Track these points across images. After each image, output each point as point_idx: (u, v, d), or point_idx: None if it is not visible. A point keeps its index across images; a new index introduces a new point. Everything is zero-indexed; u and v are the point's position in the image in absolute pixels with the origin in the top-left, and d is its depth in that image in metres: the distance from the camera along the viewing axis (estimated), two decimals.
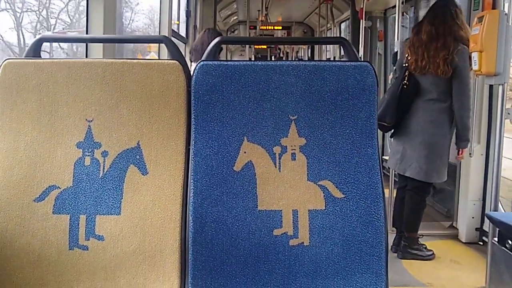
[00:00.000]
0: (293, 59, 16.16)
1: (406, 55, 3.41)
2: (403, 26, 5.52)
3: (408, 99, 3.34)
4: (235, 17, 12.63)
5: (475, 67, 2.92)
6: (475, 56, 2.90)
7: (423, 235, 3.65)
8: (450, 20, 3.25)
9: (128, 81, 1.47)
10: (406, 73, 3.37)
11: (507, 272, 2.16)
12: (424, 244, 3.58)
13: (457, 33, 3.23)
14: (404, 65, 3.43)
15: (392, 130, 3.53)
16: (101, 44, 2.36)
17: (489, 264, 2.82)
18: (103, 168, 1.46)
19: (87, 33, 2.42)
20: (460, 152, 3.36)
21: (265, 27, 12.21)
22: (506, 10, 2.81)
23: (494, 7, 3.55)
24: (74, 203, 1.44)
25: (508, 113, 2.90)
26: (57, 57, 1.84)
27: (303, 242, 1.42)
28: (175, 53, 1.53)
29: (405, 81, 3.35)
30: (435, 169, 3.32)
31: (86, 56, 2.46)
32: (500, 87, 2.87)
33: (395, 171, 3.68)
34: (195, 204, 1.41)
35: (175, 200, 1.44)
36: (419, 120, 3.33)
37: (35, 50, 1.55)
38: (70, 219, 1.43)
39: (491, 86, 3.66)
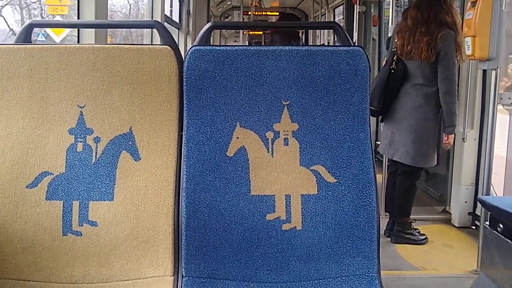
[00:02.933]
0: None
1: (396, 40, 3.44)
2: (398, 8, 5.49)
3: (396, 83, 3.38)
4: (228, 3, 12.51)
5: (468, 51, 2.91)
6: (468, 40, 2.89)
7: (416, 220, 3.68)
8: (436, 5, 3.27)
9: (119, 66, 1.47)
10: (394, 58, 3.41)
11: (498, 255, 2.18)
12: (417, 229, 3.61)
13: (443, 18, 3.24)
14: (393, 50, 3.47)
15: (381, 115, 3.57)
16: (93, 29, 2.34)
17: (480, 248, 2.84)
18: (96, 154, 1.46)
19: (78, 18, 2.40)
20: (446, 138, 3.35)
21: (258, 13, 12.11)
22: None
23: None
24: (67, 189, 1.44)
25: (501, 98, 2.91)
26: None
27: (295, 227, 1.43)
28: (167, 38, 1.53)
29: (392, 66, 3.39)
30: (422, 153, 3.35)
31: (78, 42, 2.44)
32: (493, 72, 2.87)
33: (379, 154, 3.70)
34: (188, 189, 1.42)
35: (167, 186, 1.44)
36: (406, 105, 3.36)
37: (26, 36, 1.53)
38: (63, 205, 1.44)
39: (484, 71, 3.65)
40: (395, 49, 3.44)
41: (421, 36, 3.24)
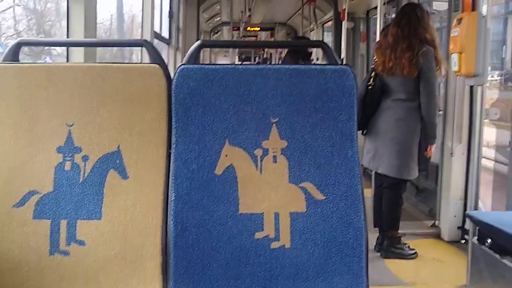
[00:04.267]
0: (277, 59, 16.19)
1: (374, 58, 3.51)
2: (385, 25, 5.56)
3: (373, 99, 3.46)
4: (218, 18, 12.61)
5: (455, 68, 2.96)
6: (455, 57, 2.94)
7: (405, 234, 3.68)
8: (415, 22, 3.35)
9: (108, 85, 1.47)
10: (372, 75, 3.49)
11: (487, 270, 2.20)
12: (406, 243, 3.61)
13: (422, 35, 3.32)
14: (371, 66, 3.56)
15: (362, 129, 3.63)
16: (83, 48, 2.35)
17: (469, 263, 2.85)
18: (84, 173, 1.45)
19: (67, 37, 2.40)
20: (429, 148, 3.44)
21: (248, 28, 12.21)
22: (484, 12, 2.85)
23: (473, 9, 3.61)
24: (54, 208, 1.43)
25: (487, 114, 2.95)
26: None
27: (284, 245, 1.43)
28: (155, 57, 1.53)
29: (370, 82, 3.47)
30: (406, 165, 3.40)
31: (67, 60, 2.44)
32: (480, 88, 2.91)
33: (369, 169, 3.75)
34: (176, 208, 1.41)
35: (156, 205, 1.44)
36: (389, 118, 3.43)
37: (14, 54, 1.53)
38: (51, 224, 1.42)
39: (471, 87, 3.70)
40: (373, 66, 3.53)
41: (402, 52, 3.31)
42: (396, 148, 3.38)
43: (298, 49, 4.63)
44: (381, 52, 3.45)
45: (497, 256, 2.11)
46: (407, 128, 3.37)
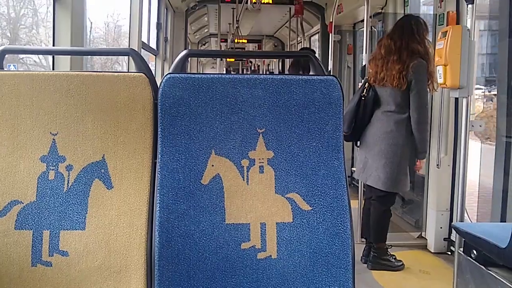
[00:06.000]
0: (265, 71, 16.24)
1: (369, 69, 3.56)
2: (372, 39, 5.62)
3: (366, 109, 3.50)
4: (206, 30, 12.64)
5: (440, 80, 2.99)
6: (440, 69, 2.97)
7: (392, 246, 3.70)
8: (408, 34, 3.40)
9: (93, 93, 1.45)
10: (366, 85, 3.53)
11: (472, 281, 2.20)
12: (393, 255, 3.62)
13: (415, 48, 3.37)
14: (366, 77, 3.60)
15: (354, 140, 3.67)
16: (69, 56, 2.33)
17: (455, 274, 2.86)
18: (68, 183, 1.43)
19: (53, 45, 2.38)
20: (418, 162, 3.47)
21: (236, 40, 12.25)
22: (468, 25, 2.89)
23: (458, 23, 3.67)
24: (37, 218, 1.41)
25: (472, 126, 2.97)
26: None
27: (270, 255, 1.42)
28: (142, 66, 1.52)
29: (363, 93, 3.51)
30: (393, 178, 3.41)
31: (53, 68, 2.42)
32: (464, 100, 2.94)
33: (356, 180, 3.78)
34: (161, 218, 1.40)
35: (140, 215, 1.42)
36: (378, 130, 3.46)
37: None
38: (33, 234, 1.40)
39: (456, 99, 3.74)
40: (367, 78, 3.57)
41: (393, 64, 3.35)
42: (382, 161, 3.40)
43: (299, 61, 4.66)
44: (374, 63, 3.50)
45: (483, 267, 2.12)
46: (394, 141, 3.39)
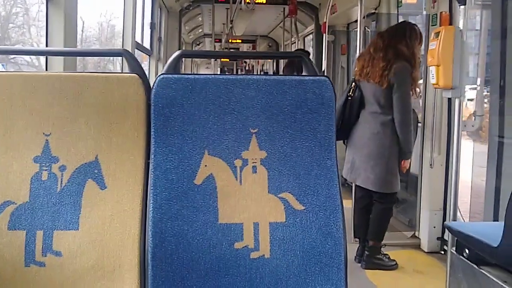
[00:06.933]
0: (259, 71, 16.25)
1: (355, 68, 3.60)
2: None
3: (352, 109, 3.54)
4: (200, 30, 12.63)
5: (432, 80, 3.01)
6: (432, 70, 2.99)
7: (385, 245, 3.71)
8: (399, 36, 3.46)
9: (86, 94, 1.45)
10: (353, 85, 3.58)
11: (465, 280, 2.21)
12: (387, 254, 3.64)
13: (400, 49, 3.41)
14: (352, 77, 3.65)
15: (342, 139, 3.68)
16: (62, 57, 2.32)
17: (448, 273, 2.87)
18: (61, 183, 1.43)
19: (46, 46, 2.38)
20: (403, 162, 3.49)
21: (230, 40, 12.26)
22: (461, 26, 2.91)
23: (450, 23, 3.69)
24: (30, 218, 1.41)
25: (465, 125, 2.99)
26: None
27: (264, 255, 1.42)
28: (135, 67, 1.52)
29: (349, 93, 3.55)
30: (383, 179, 3.44)
31: (46, 69, 2.42)
32: (457, 100, 2.96)
33: (347, 180, 3.80)
34: (154, 218, 1.40)
35: (134, 215, 1.42)
36: (365, 131, 3.50)
37: None
38: (26, 235, 1.40)
39: (449, 99, 3.77)
40: (353, 75, 3.63)
41: (378, 61, 3.41)
42: (371, 163, 3.44)
43: (294, 62, 4.67)
44: (362, 58, 3.56)
45: (475, 266, 2.13)
46: (381, 143, 3.42)
